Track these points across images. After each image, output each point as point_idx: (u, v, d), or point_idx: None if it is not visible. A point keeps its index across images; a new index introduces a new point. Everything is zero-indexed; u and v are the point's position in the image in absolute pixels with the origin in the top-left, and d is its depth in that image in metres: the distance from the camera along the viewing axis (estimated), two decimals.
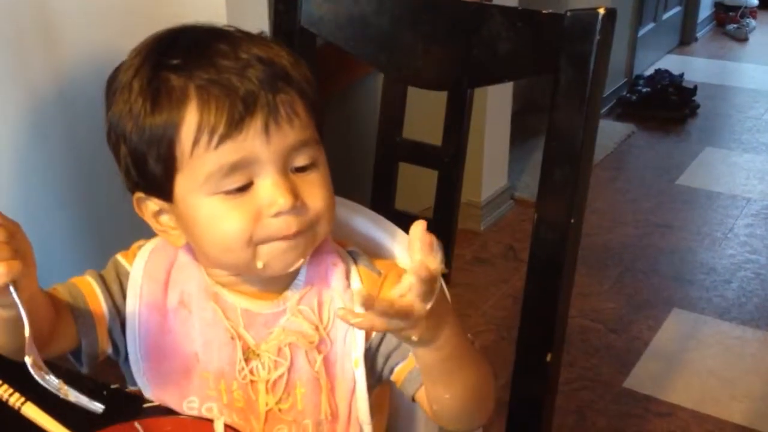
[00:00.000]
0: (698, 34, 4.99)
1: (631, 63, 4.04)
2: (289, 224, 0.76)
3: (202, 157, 0.74)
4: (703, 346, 2.24)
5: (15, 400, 0.72)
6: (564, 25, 0.90)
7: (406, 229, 0.96)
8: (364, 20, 1.04)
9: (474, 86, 1.02)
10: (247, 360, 0.82)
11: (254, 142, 0.74)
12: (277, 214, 0.75)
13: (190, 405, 0.84)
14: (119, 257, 0.87)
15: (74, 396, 0.71)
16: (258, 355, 0.82)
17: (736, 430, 1.92)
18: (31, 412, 0.71)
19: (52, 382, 0.70)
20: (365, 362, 0.83)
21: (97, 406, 0.72)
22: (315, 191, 0.78)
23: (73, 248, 2.10)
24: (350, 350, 0.82)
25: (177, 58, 0.76)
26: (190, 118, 0.74)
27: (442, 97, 1.07)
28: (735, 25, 5.07)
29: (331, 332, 0.82)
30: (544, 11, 0.93)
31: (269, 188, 0.75)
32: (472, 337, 0.81)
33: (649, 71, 4.11)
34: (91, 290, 0.84)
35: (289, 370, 0.82)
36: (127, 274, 0.85)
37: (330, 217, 0.80)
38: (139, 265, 0.85)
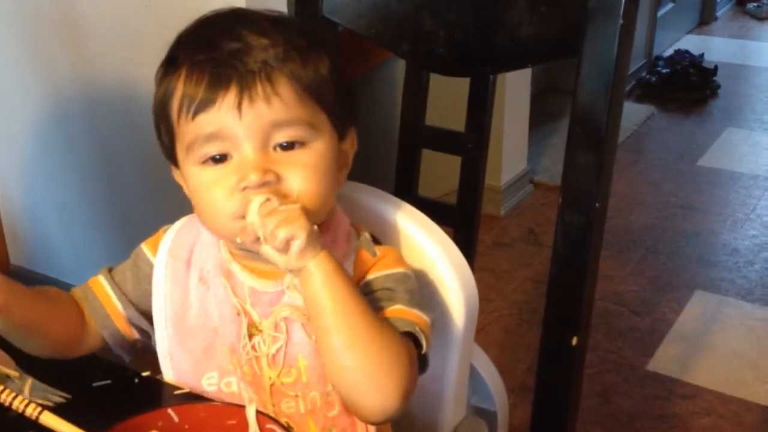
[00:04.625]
0: (718, 14, 4.93)
1: (650, 44, 4.01)
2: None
3: (183, 126, 0.80)
4: (726, 327, 2.23)
5: (32, 410, 0.73)
6: (587, 9, 0.90)
7: (430, 215, 0.97)
8: (387, 7, 1.04)
9: (497, 72, 1.02)
10: (250, 336, 0.84)
11: (226, 117, 0.77)
12: (244, 189, 0.77)
13: (209, 381, 0.86)
14: (142, 245, 0.92)
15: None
16: (260, 330, 0.84)
17: (762, 411, 1.92)
18: (50, 420, 0.72)
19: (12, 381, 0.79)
20: None
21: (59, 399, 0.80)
22: (297, 170, 0.78)
23: (98, 236, 2.12)
24: None
25: (189, 37, 0.82)
26: (178, 89, 0.80)
27: (463, 82, 1.07)
28: (755, 4, 5.01)
29: None
30: None
31: (241, 163, 0.78)
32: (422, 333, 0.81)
33: (669, 52, 4.08)
34: (99, 287, 0.90)
35: (287, 343, 0.83)
36: (147, 259, 0.90)
37: (314, 199, 0.79)
38: (165, 246, 0.89)
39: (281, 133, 0.78)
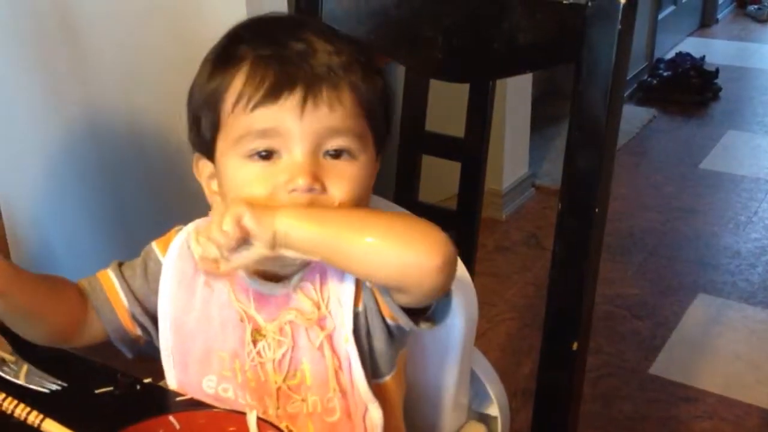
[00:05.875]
0: (719, 16, 4.94)
1: (651, 47, 4.01)
2: (301, 204, 0.77)
3: (238, 117, 0.79)
4: (728, 330, 2.23)
5: (34, 417, 0.73)
6: (585, 15, 0.90)
7: (430, 220, 0.97)
8: (386, 14, 1.05)
9: (495, 78, 1.02)
10: (255, 342, 0.84)
11: (286, 115, 0.77)
12: (292, 192, 0.77)
13: (208, 384, 0.86)
14: (153, 243, 0.92)
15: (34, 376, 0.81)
16: (264, 335, 0.84)
17: (763, 414, 1.92)
18: (51, 427, 0.72)
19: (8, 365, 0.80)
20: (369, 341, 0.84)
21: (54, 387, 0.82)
22: (341, 181, 0.79)
23: (99, 241, 2.13)
24: (341, 328, 0.82)
25: (251, 32, 0.82)
26: (238, 81, 0.79)
27: (463, 88, 1.08)
28: (756, 6, 5.01)
29: (332, 310, 0.83)
30: (564, 1, 0.93)
31: (291, 164, 0.77)
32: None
33: (670, 55, 4.08)
34: (108, 280, 0.91)
35: (293, 348, 0.83)
36: (156, 258, 0.90)
37: None
38: (176, 246, 0.89)
39: (334, 140, 0.78)
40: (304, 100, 0.76)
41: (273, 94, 0.77)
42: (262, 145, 0.78)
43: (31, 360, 0.87)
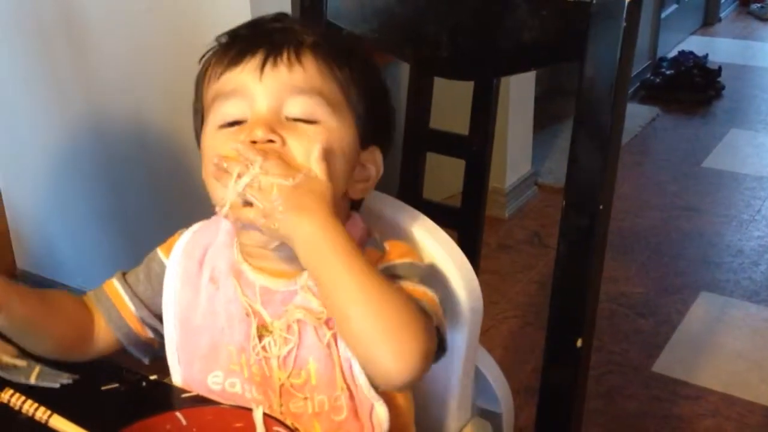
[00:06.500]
0: (722, 15, 4.93)
1: (654, 45, 4.01)
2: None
3: (209, 88, 0.83)
4: (731, 328, 2.23)
5: (41, 414, 0.73)
6: (590, 13, 0.90)
7: (434, 218, 0.98)
8: (390, 12, 1.05)
9: (500, 75, 1.02)
10: (260, 337, 0.84)
11: (248, 76, 0.80)
12: (254, 143, 0.77)
13: (214, 380, 0.86)
14: (158, 248, 0.93)
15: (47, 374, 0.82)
16: (271, 332, 0.84)
17: (766, 412, 1.92)
18: (59, 423, 0.73)
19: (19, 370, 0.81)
20: None
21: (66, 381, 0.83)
22: (303, 139, 0.79)
23: (103, 240, 2.13)
24: None
25: (243, 26, 0.86)
26: (213, 59, 0.84)
27: (467, 86, 1.08)
28: (759, 5, 5.01)
29: None
30: None
31: (252, 122, 0.79)
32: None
33: (673, 53, 4.08)
34: (113, 289, 0.92)
35: (299, 346, 0.83)
36: (159, 260, 0.92)
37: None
38: (180, 246, 0.90)
39: (297, 101, 0.80)
40: (264, 61, 0.80)
41: (236, 59, 0.81)
42: (230, 109, 0.81)
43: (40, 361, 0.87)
